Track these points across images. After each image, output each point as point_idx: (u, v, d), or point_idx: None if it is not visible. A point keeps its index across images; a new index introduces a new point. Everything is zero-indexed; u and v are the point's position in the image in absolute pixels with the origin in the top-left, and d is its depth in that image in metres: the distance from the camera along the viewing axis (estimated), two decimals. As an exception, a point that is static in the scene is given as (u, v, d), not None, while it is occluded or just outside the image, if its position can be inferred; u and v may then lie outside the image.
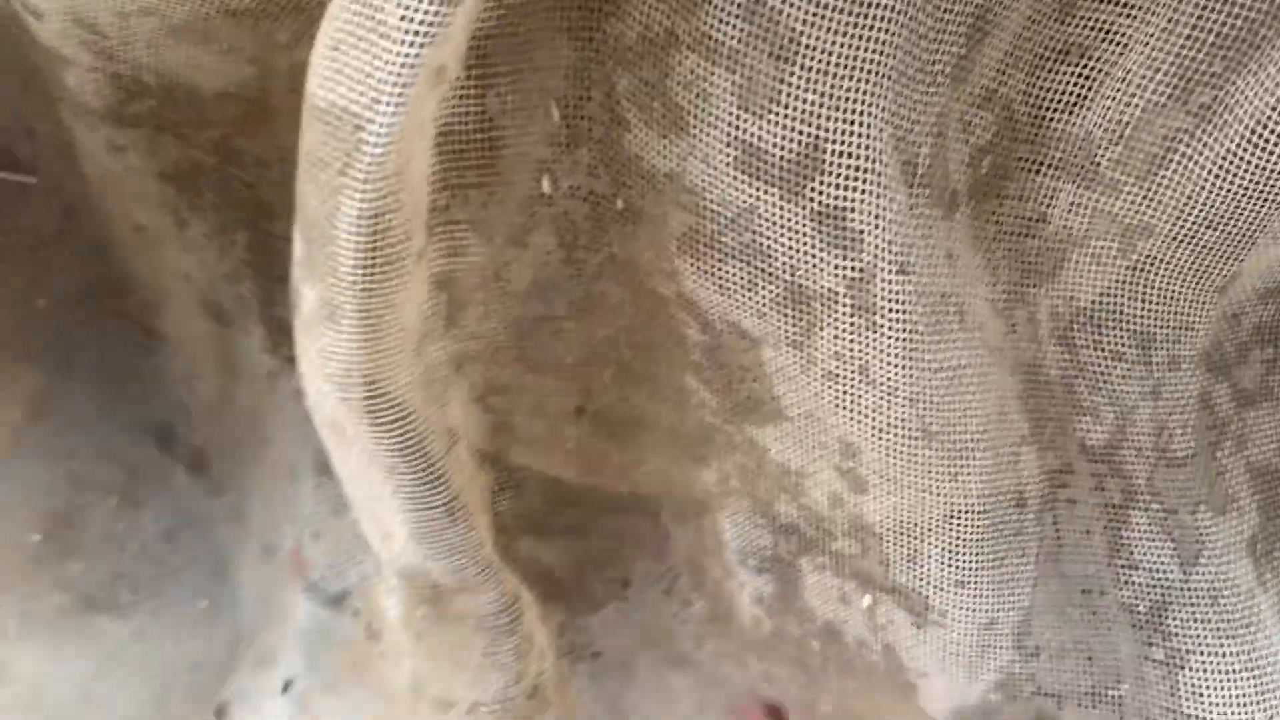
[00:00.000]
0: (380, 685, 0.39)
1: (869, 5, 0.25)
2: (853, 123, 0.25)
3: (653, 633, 0.40)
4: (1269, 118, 0.26)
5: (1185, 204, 0.29)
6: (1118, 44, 0.28)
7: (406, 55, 0.22)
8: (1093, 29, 0.28)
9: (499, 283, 0.33)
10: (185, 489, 0.44)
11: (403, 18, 0.21)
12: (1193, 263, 0.30)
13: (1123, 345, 0.32)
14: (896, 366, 0.29)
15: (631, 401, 0.38)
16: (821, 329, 0.29)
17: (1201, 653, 0.34)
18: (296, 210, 0.26)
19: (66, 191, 0.39)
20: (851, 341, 0.29)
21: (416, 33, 0.22)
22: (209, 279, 0.41)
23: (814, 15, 0.25)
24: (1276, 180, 0.27)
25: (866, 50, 0.25)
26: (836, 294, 0.28)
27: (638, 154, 0.29)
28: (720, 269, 0.29)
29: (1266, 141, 0.27)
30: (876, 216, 0.27)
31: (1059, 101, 0.29)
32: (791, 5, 0.25)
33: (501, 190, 0.31)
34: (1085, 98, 0.29)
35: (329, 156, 0.24)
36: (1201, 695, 0.34)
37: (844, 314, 0.28)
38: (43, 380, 0.41)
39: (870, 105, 0.25)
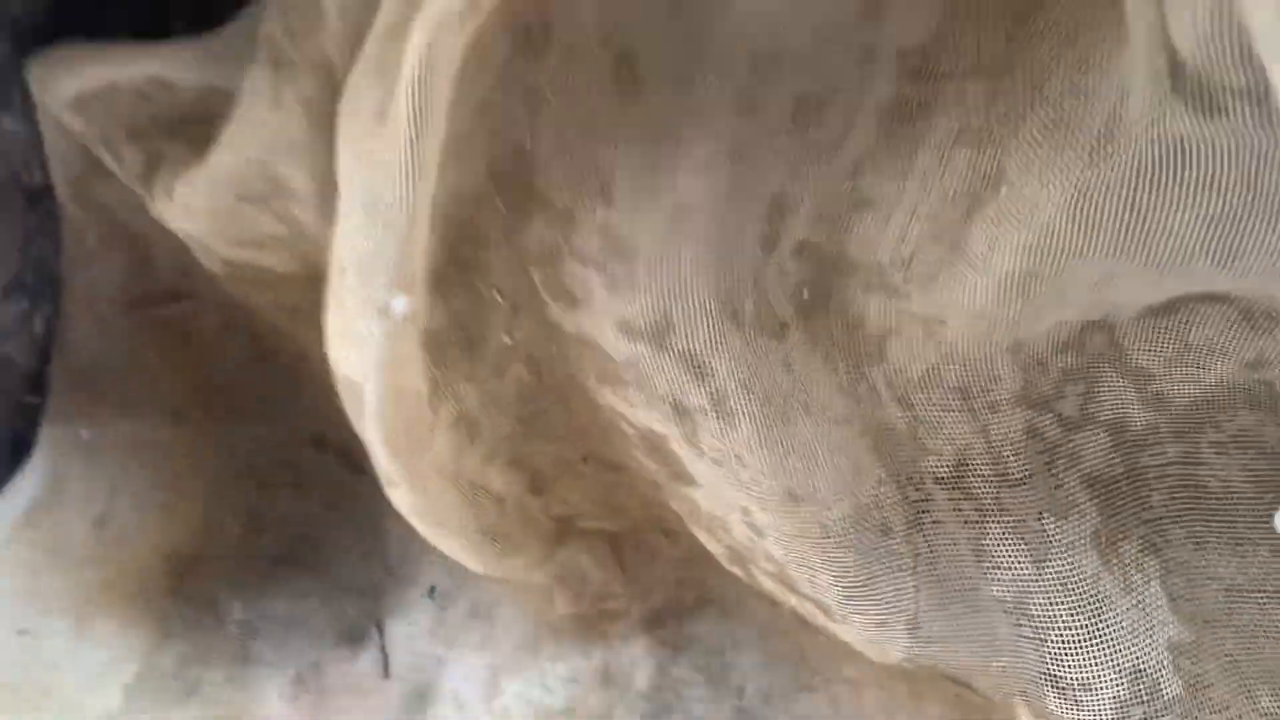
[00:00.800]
0: (502, 574, 0.54)
1: (681, 216, 0.35)
2: (688, 297, 0.36)
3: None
4: (990, 261, 0.35)
5: (957, 305, 0.38)
6: (891, 201, 0.37)
7: (378, 350, 0.33)
8: (872, 193, 0.37)
9: (496, 403, 0.45)
10: (338, 474, 0.59)
11: (368, 330, 0.32)
12: (981, 336, 0.39)
13: (948, 400, 0.41)
14: (759, 452, 0.39)
15: (613, 454, 0.49)
16: (702, 431, 0.39)
17: (1059, 628, 0.43)
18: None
19: (219, 300, 0.55)
20: (724, 438, 0.39)
21: (384, 333, 0.32)
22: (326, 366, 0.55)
23: (643, 231, 0.35)
24: (1007, 296, 0.37)
25: (686, 246, 0.35)
26: (705, 408, 0.38)
27: (557, 321, 0.40)
28: (625, 394, 0.40)
29: (996, 274, 0.36)
30: (720, 354, 0.37)
31: (854, 244, 0.38)
32: (630, 226, 0.35)
33: (478, 352, 0.42)
34: (875, 240, 0.38)
35: (351, 406, 0.36)
36: (1062, 661, 0.43)
37: (714, 420, 0.39)
38: (229, 425, 0.58)
39: (697, 282, 0.36)
